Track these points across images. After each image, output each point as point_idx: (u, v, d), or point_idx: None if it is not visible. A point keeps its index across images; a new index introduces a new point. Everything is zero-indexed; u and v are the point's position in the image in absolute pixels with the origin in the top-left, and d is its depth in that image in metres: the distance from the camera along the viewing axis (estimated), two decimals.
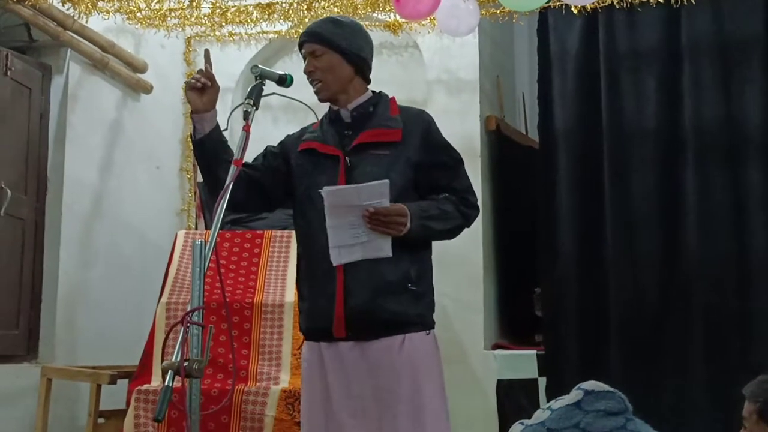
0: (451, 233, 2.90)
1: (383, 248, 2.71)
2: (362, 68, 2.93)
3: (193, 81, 2.80)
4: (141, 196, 5.20)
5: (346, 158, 2.85)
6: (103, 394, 4.08)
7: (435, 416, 2.78)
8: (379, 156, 2.83)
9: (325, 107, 3.04)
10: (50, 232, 4.58)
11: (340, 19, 2.96)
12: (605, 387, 1.45)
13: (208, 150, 2.83)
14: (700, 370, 4.37)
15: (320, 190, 2.68)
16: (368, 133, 2.86)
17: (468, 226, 2.96)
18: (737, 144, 4.44)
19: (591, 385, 1.46)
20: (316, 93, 2.91)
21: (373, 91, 2.99)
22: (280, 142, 3.04)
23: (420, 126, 2.91)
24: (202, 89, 2.78)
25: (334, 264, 2.73)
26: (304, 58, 2.93)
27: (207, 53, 2.84)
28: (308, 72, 2.88)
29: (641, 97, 4.60)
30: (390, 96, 3.02)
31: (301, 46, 2.94)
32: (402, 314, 2.76)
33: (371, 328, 2.75)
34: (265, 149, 3.02)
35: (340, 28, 2.90)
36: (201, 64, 5.58)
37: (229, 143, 2.88)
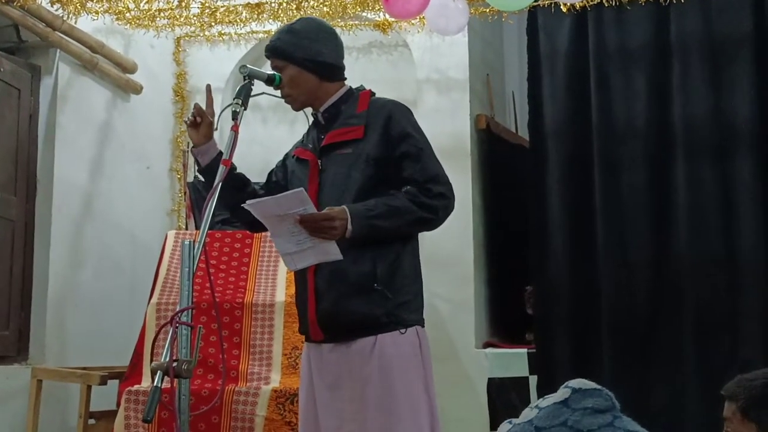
0: (410, 227, 2.81)
1: (330, 251, 2.66)
2: (326, 72, 2.88)
3: (187, 119, 2.87)
4: (131, 197, 5.20)
5: (318, 161, 2.86)
6: (93, 395, 4.07)
7: (408, 418, 2.72)
8: (342, 155, 2.81)
9: None
10: (40, 232, 4.56)
11: (295, 26, 2.91)
12: (592, 385, 1.45)
13: (211, 179, 2.79)
14: (691, 369, 4.38)
15: (243, 204, 2.66)
16: (333, 134, 2.86)
17: (437, 217, 2.82)
18: (727, 141, 4.44)
19: (578, 383, 1.46)
20: (289, 105, 2.94)
21: (350, 87, 2.95)
22: (285, 154, 3.08)
23: (381, 119, 2.84)
24: (197, 124, 2.83)
25: (289, 270, 2.76)
26: None
27: (208, 89, 2.89)
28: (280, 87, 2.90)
29: (631, 95, 4.61)
30: (366, 90, 2.96)
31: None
32: (368, 315, 2.72)
33: (342, 330, 2.74)
34: (276, 165, 3.08)
35: (296, 36, 2.86)
36: (191, 65, 5.63)
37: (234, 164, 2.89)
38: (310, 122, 3.01)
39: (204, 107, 2.86)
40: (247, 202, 2.63)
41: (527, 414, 1.43)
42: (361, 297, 2.72)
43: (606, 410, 1.38)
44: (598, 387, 1.43)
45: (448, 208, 2.82)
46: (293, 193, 2.62)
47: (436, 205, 2.78)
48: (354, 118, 2.85)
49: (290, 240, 2.66)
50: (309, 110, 2.98)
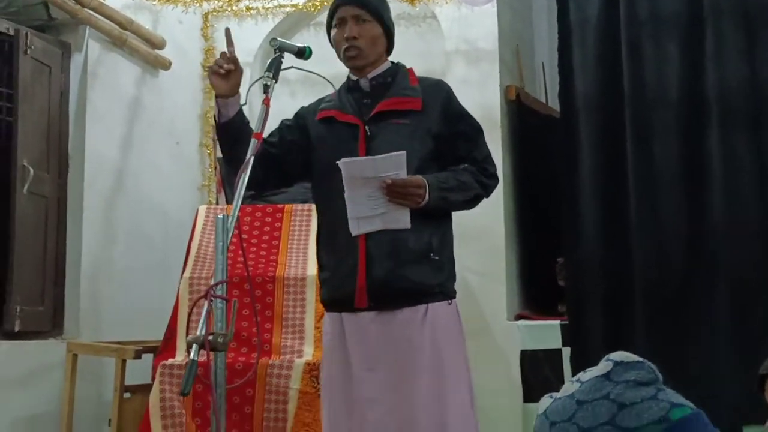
0: (469, 204, 2.90)
1: (402, 220, 2.72)
2: (391, 43, 2.96)
3: (216, 66, 2.75)
4: (161, 172, 5.21)
5: (366, 127, 2.84)
6: (128, 370, 4.10)
7: (456, 388, 2.78)
8: (399, 125, 2.82)
9: (344, 79, 3.03)
10: (73, 208, 4.60)
11: None
12: (634, 357, 1.43)
13: (232, 133, 2.81)
14: (726, 340, 4.33)
15: (337, 162, 2.67)
16: (388, 102, 2.85)
17: (487, 197, 2.96)
18: (762, 109, 4.36)
19: (620, 355, 1.44)
20: (350, 59, 2.89)
21: (391, 62, 2.99)
22: (296, 114, 3.03)
23: (440, 96, 2.91)
24: (225, 73, 2.75)
25: (353, 234, 2.72)
26: (337, 25, 2.90)
27: (228, 33, 2.78)
28: (350, 37, 2.85)
29: (663, 64, 4.53)
30: (408, 67, 3.02)
31: (336, 9, 2.91)
32: (424, 284, 2.77)
33: (393, 298, 2.76)
34: (281, 123, 3.00)
35: (384, 1, 2.93)
36: (219, 40, 5.62)
37: (249, 121, 2.87)
38: (341, 86, 3.00)
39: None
40: (343, 160, 2.65)
41: (568, 388, 1.42)
42: (419, 266, 2.76)
43: (649, 383, 1.36)
44: (641, 359, 1.41)
45: (495, 187, 2.96)
46: (396, 155, 2.67)
47: (490, 184, 2.92)
48: (409, 90, 2.88)
49: (365, 204, 2.68)
50: (330, 83, 2.98)
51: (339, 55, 2.94)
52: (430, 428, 2.72)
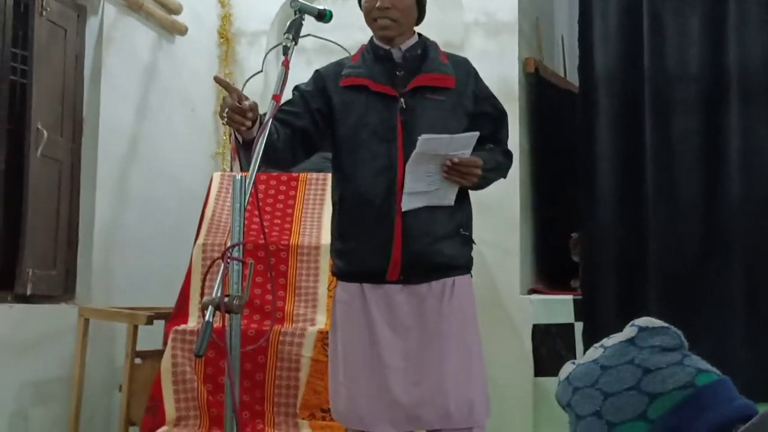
0: (493, 181, 2.95)
1: (449, 197, 2.76)
2: (422, 15, 2.93)
3: (236, 125, 2.54)
4: (176, 139, 5.19)
5: (401, 99, 2.81)
6: (139, 335, 4.09)
7: (477, 356, 2.85)
8: (436, 101, 2.82)
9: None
10: (86, 173, 4.57)
11: None
12: (660, 323, 1.40)
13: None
14: (740, 317, 4.31)
15: (419, 137, 2.62)
16: (425, 77, 2.84)
17: (505, 177, 3.03)
18: None
19: (645, 321, 1.41)
20: (382, 28, 2.84)
21: (419, 34, 2.96)
22: (314, 78, 2.94)
23: (470, 75, 2.93)
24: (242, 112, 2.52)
25: (404, 209, 2.71)
26: None
27: (219, 80, 2.72)
28: (383, 7, 2.80)
29: (685, 38, 4.48)
30: (432, 41, 2.99)
31: None
32: (455, 258, 2.83)
33: (425, 272, 2.80)
34: (300, 91, 2.92)
35: None
36: (236, 6, 5.55)
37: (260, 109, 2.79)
38: (360, 53, 2.95)
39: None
40: (423, 136, 2.63)
41: (592, 354, 1.39)
42: (452, 241, 2.81)
43: (674, 348, 1.33)
44: (666, 325, 1.39)
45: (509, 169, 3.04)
46: (471, 135, 2.70)
47: (509, 165, 3.00)
48: (443, 66, 2.88)
49: (423, 179, 2.70)
50: (347, 52, 2.93)
51: (368, 23, 2.89)
52: (460, 404, 2.76)
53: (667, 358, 1.33)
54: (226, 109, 2.51)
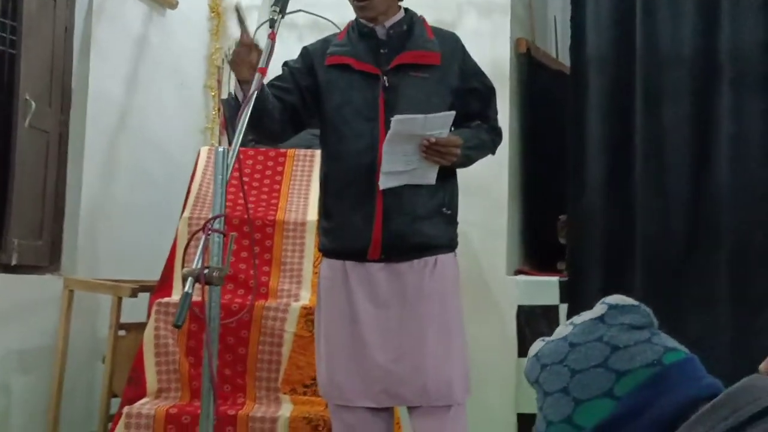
0: (478, 159, 2.93)
1: (429, 176, 2.75)
2: None
3: (238, 57, 2.62)
4: (165, 113, 5.17)
5: (384, 77, 2.80)
6: (123, 307, 4.10)
7: (458, 335, 2.84)
8: (419, 78, 2.80)
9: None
10: (74, 144, 4.55)
11: None
12: (630, 301, 1.41)
13: (258, 106, 2.62)
14: (725, 304, 4.31)
15: (392, 117, 2.62)
16: (408, 54, 2.82)
17: (493, 154, 3.02)
18: None
19: (615, 299, 1.41)
20: (360, 9, 2.83)
21: (406, 9, 2.94)
22: (302, 55, 2.95)
23: (457, 51, 2.90)
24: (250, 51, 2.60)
25: (381, 188, 2.71)
26: None
27: (239, 12, 2.65)
28: None
29: (678, 21, 4.45)
30: (418, 15, 2.97)
31: None
32: (436, 237, 2.81)
33: (406, 251, 2.79)
34: (289, 67, 2.92)
35: None
36: None
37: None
38: (345, 30, 2.94)
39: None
40: (396, 117, 2.62)
41: (561, 331, 1.40)
42: (433, 220, 2.79)
43: (643, 327, 1.34)
44: (636, 303, 1.39)
45: (498, 146, 3.03)
46: (447, 115, 2.68)
47: (498, 143, 2.98)
48: (429, 42, 2.86)
49: (400, 159, 2.68)
50: (339, 28, 2.92)
51: (350, 1, 2.88)
52: (438, 381, 2.76)
53: (635, 336, 1.33)
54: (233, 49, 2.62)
